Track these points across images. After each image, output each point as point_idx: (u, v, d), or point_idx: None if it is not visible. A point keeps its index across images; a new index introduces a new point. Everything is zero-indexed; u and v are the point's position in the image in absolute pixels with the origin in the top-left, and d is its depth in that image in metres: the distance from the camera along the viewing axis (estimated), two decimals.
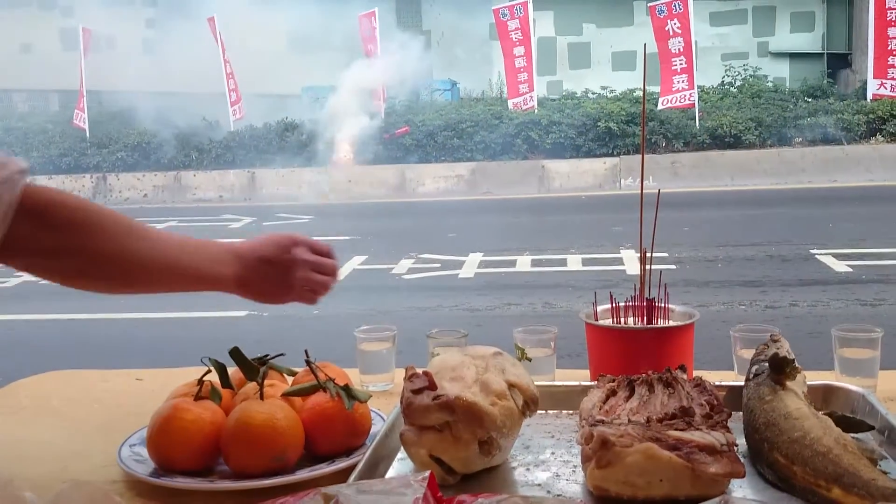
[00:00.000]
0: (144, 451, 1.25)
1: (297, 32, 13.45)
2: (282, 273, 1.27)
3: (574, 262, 6.67)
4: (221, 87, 12.90)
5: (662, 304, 1.52)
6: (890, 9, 11.80)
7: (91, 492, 0.95)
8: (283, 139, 12.49)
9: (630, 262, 6.45)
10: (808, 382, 1.31)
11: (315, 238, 1.34)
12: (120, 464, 1.25)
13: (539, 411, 1.27)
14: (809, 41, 15.84)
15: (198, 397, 1.25)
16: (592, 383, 1.37)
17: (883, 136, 11.33)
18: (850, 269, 6.00)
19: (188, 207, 11.40)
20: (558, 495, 1.12)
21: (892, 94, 11.92)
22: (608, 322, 1.54)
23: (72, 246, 1.11)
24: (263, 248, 1.27)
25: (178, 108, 12.75)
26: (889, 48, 11.87)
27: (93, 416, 1.54)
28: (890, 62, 11.95)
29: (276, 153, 12.29)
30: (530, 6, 12.27)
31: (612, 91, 14.03)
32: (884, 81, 12.00)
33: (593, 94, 14.13)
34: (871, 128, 11.41)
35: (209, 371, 1.29)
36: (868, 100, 11.90)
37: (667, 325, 1.51)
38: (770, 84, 14.48)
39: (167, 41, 13.53)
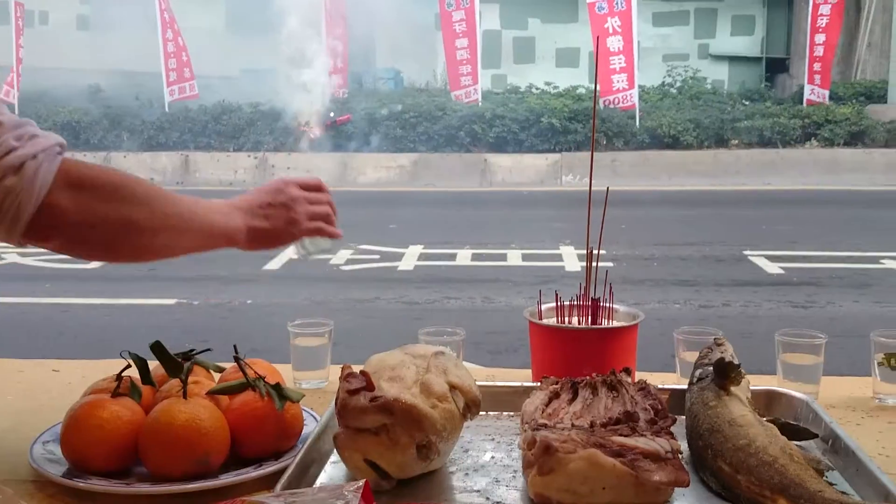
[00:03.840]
0: (58, 450, 1.17)
1: (237, 12, 13.17)
2: (284, 212, 1.34)
3: (514, 256, 6.67)
4: (158, 66, 12.57)
5: (608, 304, 1.49)
6: (821, 15, 12.06)
7: None
8: (218, 122, 12.22)
9: (569, 259, 6.47)
10: (751, 388, 1.29)
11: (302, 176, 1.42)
12: (31, 462, 1.17)
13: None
14: (749, 45, 16.12)
15: (115, 394, 1.17)
16: (535, 384, 1.33)
17: (818, 141, 11.57)
18: (781, 271, 6.11)
19: None
20: (497, 503, 1.08)
21: (820, 100, 12.22)
22: (552, 321, 1.50)
23: (109, 215, 1.12)
24: (260, 196, 1.34)
25: (111, 87, 12.36)
26: (814, 55, 12.14)
27: (5, 409, 1.45)
28: (815, 68, 12.23)
29: (211, 136, 12.03)
30: None
31: (555, 87, 14.06)
32: (814, 88, 12.29)
33: (537, 89, 14.14)
34: (806, 132, 11.64)
35: (129, 366, 1.21)
36: (804, 104, 12.16)
37: (611, 325, 1.48)
38: (709, 86, 14.69)
39: (102, 18, 13.13)
